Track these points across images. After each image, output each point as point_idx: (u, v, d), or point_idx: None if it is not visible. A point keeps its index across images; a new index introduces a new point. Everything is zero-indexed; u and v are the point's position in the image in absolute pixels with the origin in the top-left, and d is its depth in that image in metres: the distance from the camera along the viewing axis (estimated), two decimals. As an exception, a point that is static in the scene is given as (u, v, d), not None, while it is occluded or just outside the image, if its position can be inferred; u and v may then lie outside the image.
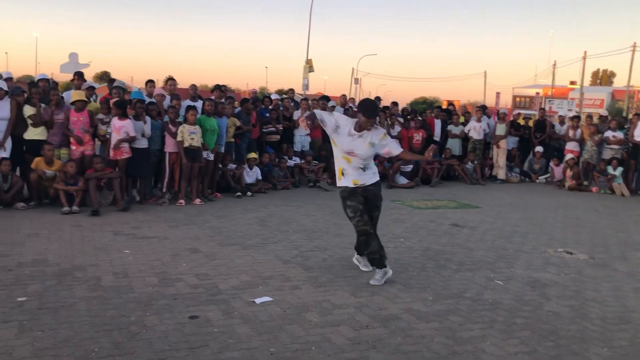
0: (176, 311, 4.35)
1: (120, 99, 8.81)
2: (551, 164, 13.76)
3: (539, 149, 14.06)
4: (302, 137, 12.01)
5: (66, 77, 14.27)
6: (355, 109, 12.57)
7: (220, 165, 9.92)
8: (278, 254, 6.13)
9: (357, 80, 59.05)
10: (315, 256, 6.12)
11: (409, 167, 12.30)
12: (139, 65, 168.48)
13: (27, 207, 7.99)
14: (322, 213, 8.53)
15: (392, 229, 7.50)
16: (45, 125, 8.44)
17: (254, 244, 6.53)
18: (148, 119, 8.78)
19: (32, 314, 4.18)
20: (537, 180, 13.90)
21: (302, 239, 6.91)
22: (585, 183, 12.95)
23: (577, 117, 14.20)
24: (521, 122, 14.71)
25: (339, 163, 5.30)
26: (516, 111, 16.61)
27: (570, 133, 13.55)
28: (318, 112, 5.28)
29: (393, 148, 5.28)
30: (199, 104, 9.81)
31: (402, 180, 12.05)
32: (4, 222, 7.14)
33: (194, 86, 10.90)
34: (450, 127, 13.61)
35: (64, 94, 9.64)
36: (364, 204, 5.25)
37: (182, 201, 8.81)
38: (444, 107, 17.49)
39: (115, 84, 9.83)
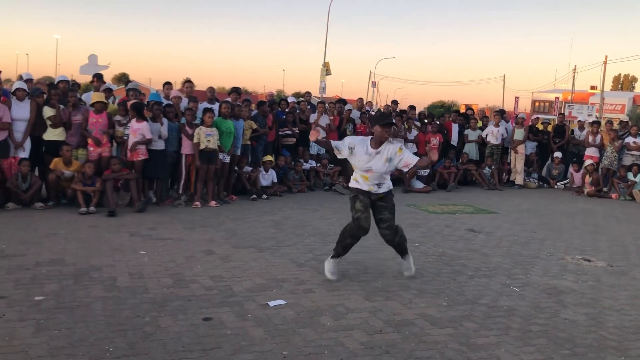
0: (190, 313, 4.37)
1: (137, 102, 8.88)
2: (571, 169, 13.62)
3: (557, 154, 13.92)
4: (318, 140, 12.00)
5: (87, 78, 14.42)
6: (370, 117, 12.59)
7: (236, 168, 9.97)
8: (292, 257, 6.13)
9: (374, 84, 59.05)
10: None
11: (426, 172, 12.25)
12: (157, 67, 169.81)
13: (45, 207, 8.09)
14: (337, 217, 8.51)
15: (408, 234, 7.38)
16: (64, 126, 8.55)
17: (268, 247, 6.54)
18: (165, 120, 8.85)
19: (48, 313, 4.22)
20: (556, 186, 13.76)
21: (316, 242, 6.90)
22: (605, 189, 12.79)
23: (596, 123, 14.04)
24: (540, 127, 14.58)
25: (356, 177, 5.37)
26: (534, 116, 16.43)
27: (590, 139, 13.40)
28: (333, 142, 5.38)
29: (410, 160, 5.25)
30: (216, 106, 9.86)
31: (419, 185, 12.00)
32: (23, 221, 7.23)
33: (211, 89, 10.96)
34: (467, 132, 13.53)
35: (84, 96, 9.75)
36: (375, 207, 5.34)
37: (197, 203, 8.86)
38: (462, 111, 17.40)
39: (129, 86, 9.93)
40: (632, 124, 14.00)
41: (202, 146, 8.80)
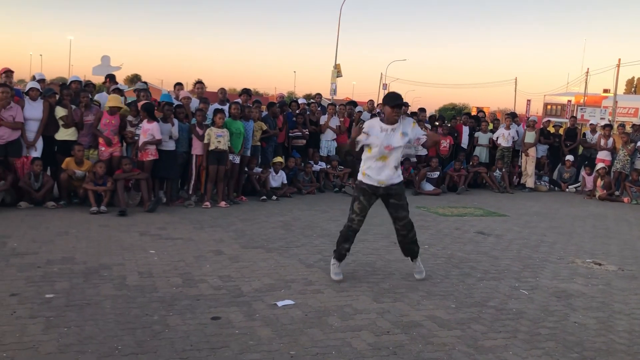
0: (198, 312, 4.39)
1: (147, 102, 8.93)
2: (582, 173, 13.54)
3: (569, 157, 13.84)
4: (328, 142, 12.04)
5: (101, 79, 14.53)
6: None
7: (246, 169, 10.00)
8: (301, 258, 6.15)
9: (385, 86, 58.97)
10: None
11: (436, 174, 12.22)
12: (169, 68, 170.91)
13: (56, 206, 8.16)
14: (346, 218, 8.49)
15: (417, 236, 7.43)
16: (76, 126, 8.63)
17: (277, 248, 6.55)
18: (176, 121, 8.90)
19: (59, 311, 4.26)
20: (567, 190, 13.67)
21: (325, 243, 6.91)
22: (617, 193, 12.69)
23: (608, 126, 13.95)
24: (551, 129, 14.50)
25: (366, 167, 5.24)
26: (546, 119, 16.34)
27: (602, 142, 13.32)
28: (359, 140, 5.21)
29: (421, 135, 5.29)
30: (226, 107, 9.89)
31: (428, 187, 11.97)
32: (35, 220, 7.30)
33: (222, 90, 11.00)
34: (478, 134, 13.48)
35: (97, 96, 9.82)
36: (390, 206, 5.30)
37: (207, 203, 8.90)
38: (473, 113, 17.33)
39: (137, 87, 10.00)
40: (644, 127, 13.88)
41: (212, 147, 8.84)
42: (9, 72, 9.15)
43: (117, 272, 5.30)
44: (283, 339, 3.98)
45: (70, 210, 8.04)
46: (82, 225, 7.15)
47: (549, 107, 63.98)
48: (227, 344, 3.84)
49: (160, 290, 4.86)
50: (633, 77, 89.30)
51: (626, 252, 7.35)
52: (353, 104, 13.48)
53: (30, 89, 8.51)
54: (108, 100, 8.81)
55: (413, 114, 13.29)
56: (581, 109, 49.76)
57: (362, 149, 5.27)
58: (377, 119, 5.24)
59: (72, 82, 9.86)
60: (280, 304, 4.66)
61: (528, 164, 13.41)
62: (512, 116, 14.26)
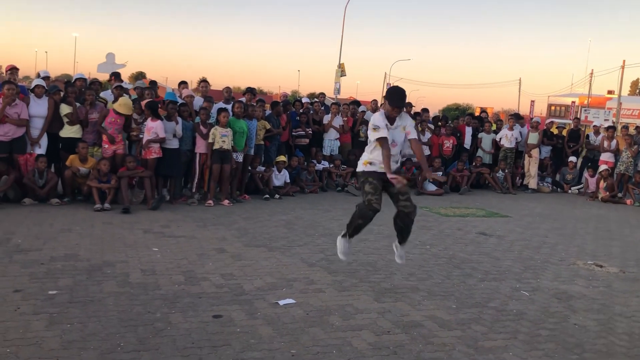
0: (200, 310, 4.42)
1: (151, 101, 8.96)
2: (585, 174, 13.52)
3: (572, 158, 13.83)
4: (331, 142, 12.06)
5: (106, 76, 14.59)
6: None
7: (249, 168, 10.03)
8: (303, 257, 6.17)
9: (389, 85, 58.97)
10: (340, 260, 6.11)
11: (438, 174, 12.22)
12: (174, 66, 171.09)
13: (61, 203, 8.21)
14: (349, 217, 8.51)
15: (419, 236, 7.47)
16: (80, 123, 8.67)
17: (279, 246, 6.58)
18: (180, 119, 8.93)
19: (62, 307, 4.29)
20: (570, 191, 13.66)
21: (327, 242, 6.93)
22: (620, 195, 12.68)
23: (612, 128, 13.95)
24: (554, 131, 14.49)
25: (369, 156, 5.15)
26: (549, 120, 16.35)
27: (605, 144, 13.31)
28: (384, 134, 4.99)
29: (411, 130, 5.20)
30: (229, 106, 9.92)
31: (431, 188, 11.98)
32: (39, 217, 7.34)
33: (228, 89, 11.05)
34: (481, 135, 13.48)
35: (102, 93, 9.86)
36: (392, 188, 5.10)
37: (210, 202, 8.93)
38: (477, 114, 17.33)
39: (136, 85, 10.05)
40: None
41: (217, 146, 8.87)
42: (14, 70, 9.21)
43: (120, 269, 5.34)
44: (284, 337, 4.01)
45: (74, 208, 8.08)
46: (86, 223, 7.19)
47: (552, 108, 63.83)
48: (228, 342, 3.87)
49: (162, 287, 4.89)
50: (638, 79, 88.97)
51: (628, 254, 7.36)
52: (357, 103, 13.50)
53: (36, 86, 8.54)
54: (119, 104, 8.70)
55: (416, 114, 13.31)
56: (585, 110, 49.60)
57: (363, 147, 5.26)
58: (381, 114, 5.11)
59: (76, 79, 9.91)
60: (281, 302, 4.69)
61: (531, 165, 13.41)
62: (516, 117, 14.27)
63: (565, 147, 14.04)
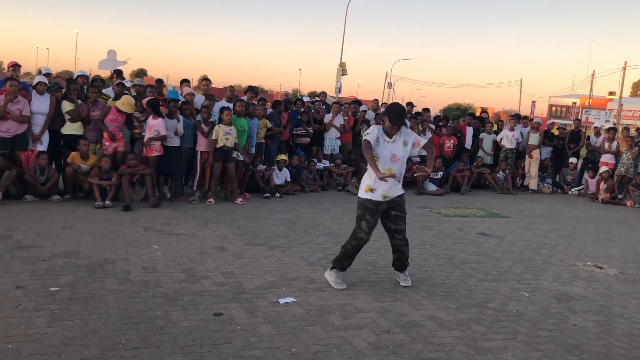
0: (201, 308, 4.44)
1: (152, 98, 8.97)
2: (585, 176, 13.53)
3: (572, 159, 13.83)
4: (332, 141, 12.07)
5: (107, 73, 14.61)
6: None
7: (250, 166, 10.04)
8: (303, 256, 6.18)
9: (390, 85, 58.91)
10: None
11: (439, 174, 12.25)
12: (175, 64, 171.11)
13: (62, 200, 8.22)
14: (349, 217, 8.54)
15: (419, 236, 7.49)
16: (82, 121, 8.68)
17: (280, 245, 6.59)
18: (181, 117, 8.94)
19: (63, 304, 4.31)
20: (570, 192, 13.67)
21: (328, 242, 6.95)
22: (620, 196, 12.69)
23: (612, 129, 13.94)
24: (555, 132, 14.50)
25: (370, 180, 5.09)
26: (550, 121, 16.34)
27: (606, 145, 13.31)
28: (370, 139, 5.00)
29: (421, 139, 5.23)
30: (231, 104, 9.93)
31: (432, 187, 11.99)
32: (40, 214, 7.35)
33: (231, 87, 11.07)
34: (482, 135, 13.49)
35: (103, 90, 9.86)
36: (390, 218, 5.18)
37: (211, 200, 8.95)
38: (478, 114, 17.33)
39: (134, 82, 10.06)
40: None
41: (220, 144, 8.88)
42: (16, 66, 9.22)
43: (121, 266, 5.35)
44: (284, 336, 4.02)
45: (75, 204, 8.09)
46: (87, 220, 7.20)
47: (553, 108, 63.79)
48: (229, 340, 3.89)
49: (163, 285, 4.91)
50: (639, 80, 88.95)
51: (628, 256, 7.37)
52: (358, 102, 13.50)
53: (38, 83, 8.55)
54: (122, 102, 8.64)
55: (417, 114, 13.31)
56: (586, 111, 49.57)
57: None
58: (379, 128, 5.11)
59: (78, 76, 9.92)
60: (282, 301, 4.70)
61: (531, 166, 13.42)
62: (517, 118, 14.26)
63: (565, 148, 14.04)
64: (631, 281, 6.17)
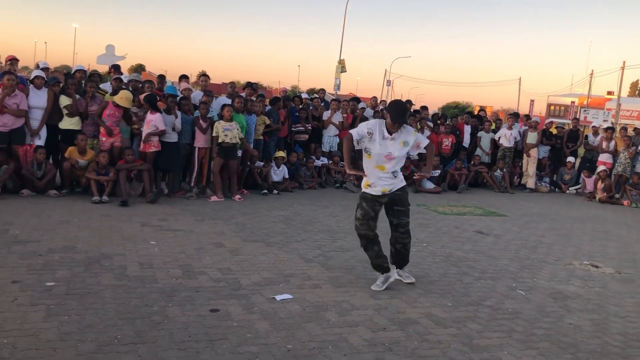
0: (198, 304, 4.44)
1: (150, 94, 8.95)
2: (582, 175, 13.54)
3: (570, 159, 13.85)
4: (330, 138, 12.06)
5: (104, 68, 14.57)
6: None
7: (248, 163, 10.03)
8: (301, 253, 6.19)
9: (389, 82, 58.94)
10: (337, 256, 6.16)
11: (437, 173, 12.25)
12: (174, 59, 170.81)
13: (59, 195, 8.21)
14: (347, 214, 8.55)
15: (416, 233, 7.47)
16: (80, 115, 8.66)
17: (277, 242, 6.59)
18: (179, 113, 8.93)
19: (59, 299, 4.31)
20: (567, 191, 13.69)
21: (325, 239, 6.95)
22: (617, 196, 12.72)
23: (610, 129, 13.97)
24: (553, 131, 14.51)
25: (369, 178, 5.11)
26: (549, 120, 16.37)
27: (604, 144, 13.33)
28: (354, 133, 5.08)
29: (422, 140, 5.20)
30: (229, 100, 9.91)
31: (429, 185, 12.00)
32: (37, 208, 7.34)
33: (232, 83, 11.06)
34: (480, 134, 13.49)
35: (101, 85, 9.84)
36: (392, 213, 5.17)
37: (221, 196, 8.93)
38: (476, 112, 17.32)
39: (131, 77, 10.05)
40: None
41: (220, 140, 8.86)
42: (13, 60, 9.20)
43: (117, 262, 5.35)
44: (280, 332, 4.03)
45: (72, 200, 8.09)
46: (84, 215, 7.20)
47: (552, 107, 63.89)
48: (225, 336, 3.89)
49: (160, 281, 4.91)
50: (637, 80, 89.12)
51: (624, 255, 7.39)
52: (356, 100, 13.49)
53: (36, 77, 8.53)
54: (120, 97, 8.61)
55: (415, 112, 13.31)
56: (584, 110, 49.63)
57: (361, 152, 5.18)
58: (382, 122, 5.08)
59: (76, 71, 9.89)
60: (278, 298, 4.71)
61: (529, 165, 13.43)
62: (515, 116, 14.27)
63: (563, 147, 14.05)
64: (627, 280, 6.19)
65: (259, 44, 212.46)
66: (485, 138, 13.42)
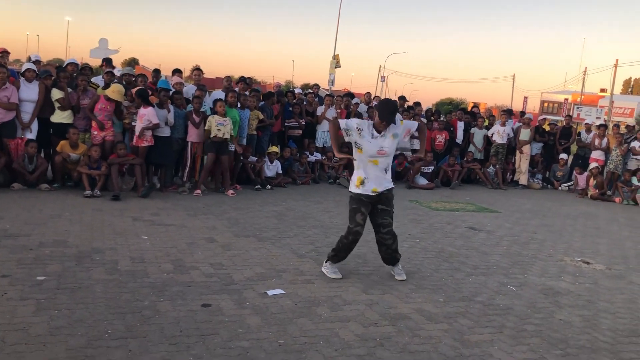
0: (189, 298, 4.43)
1: (141, 88, 8.90)
2: (575, 172, 13.60)
3: (563, 156, 13.90)
4: (324, 133, 12.03)
5: (96, 62, 14.48)
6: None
7: (241, 158, 10.00)
8: (293, 248, 6.18)
9: (383, 78, 58.92)
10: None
11: (430, 169, 12.28)
12: (167, 54, 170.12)
13: (50, 189, 8.16)
14: (340, 210, 8.55)
15: (409, 229, 7.51)
16: (72, 109, 8.60)
17: (270, 237, 6.59)
18: (172, 107, 8.89)
19: (49, 293, 4.29)
20: (560, 188, 13.74)
21: (318, 234, 6.95)
22: (609, 193, 12.78)
23: (603, 126, 14.02)
24: (546, 128, 14.55)
25: (362, 172, 5.11)
26: (542, 117, 16.39)
27: (596, 142, 13.38)
28: (342, 122, 5.11)
29: (411, 126, 5.28)
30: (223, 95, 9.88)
31: (422, 181, 12.02)
32: (28, 202, 7.30)
33: (228, 78, 11.01)
34: (473, 130, 13.52)
35: (93, 79, 9.78)
36: (376, 212, 5.20)
37: (199, 191, 8.90)
38: (469, 109, 17.35)
39: (124, 71, 10.00)
40: (638, 128, 13.95)
41: (212, 134, 8.83)
42: (4, 53, 9.14)
43: (109, 256, 5.33)
44: (272, 327, 4.02)
45: (63, 194, 8.04)
46: (76, 209, 7.16)
47: (545, 104, 63.99)
48: (216, 331, 3.88)
49: (151, 275, 4.89)
50: (630, 78, 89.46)
51: (615, 252, 7.42)
52: (351, 95, 13.47)
53: (27, 70, 8.47)
54: (112, 90, 8.56)
55: (409, 108, 13.30)
56: (577, 107, 49.77)
57: (351, 146, 5.18)
58: (370, 123, 5.09)
59: (68, 64, 9.82)
60: (270, 293, 4.70)
61: (522, 161, 13.47)
62: (508, 113, 14.31)
63: (556, 144, 14.10)
64: (617, 277, 6.22)
65: (254, 39, 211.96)
66: (478, 134, 13.45)
